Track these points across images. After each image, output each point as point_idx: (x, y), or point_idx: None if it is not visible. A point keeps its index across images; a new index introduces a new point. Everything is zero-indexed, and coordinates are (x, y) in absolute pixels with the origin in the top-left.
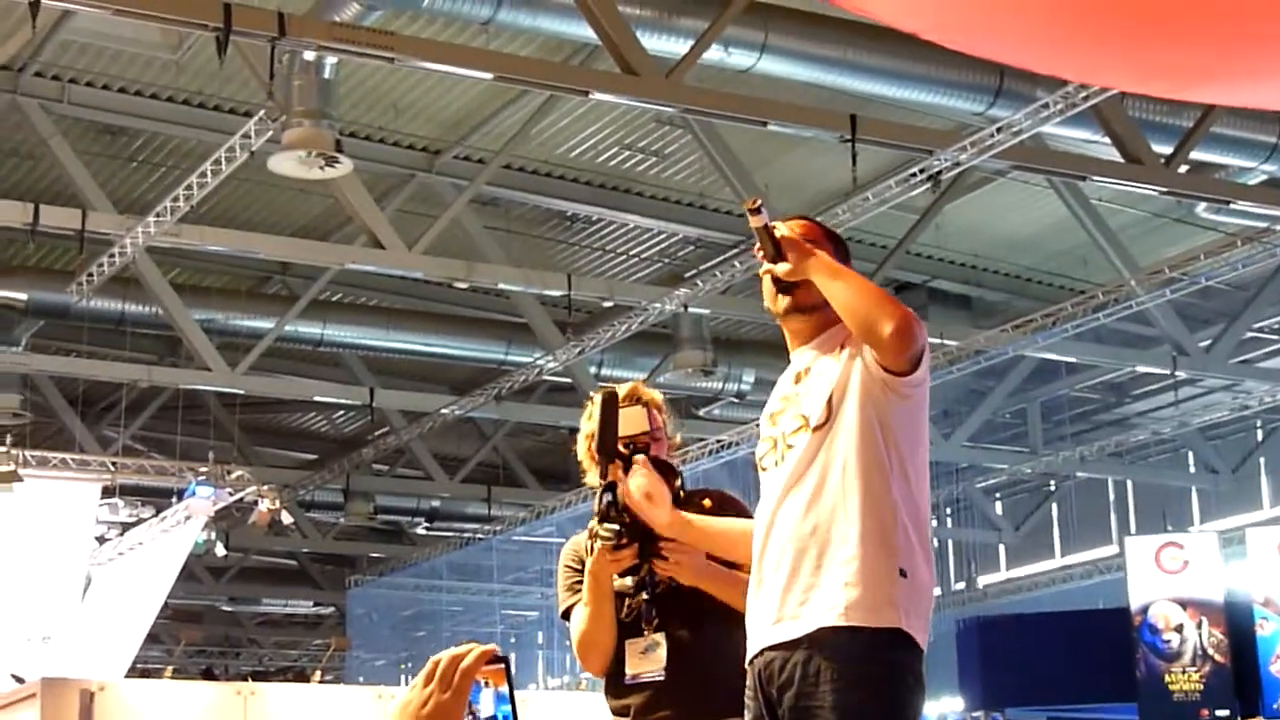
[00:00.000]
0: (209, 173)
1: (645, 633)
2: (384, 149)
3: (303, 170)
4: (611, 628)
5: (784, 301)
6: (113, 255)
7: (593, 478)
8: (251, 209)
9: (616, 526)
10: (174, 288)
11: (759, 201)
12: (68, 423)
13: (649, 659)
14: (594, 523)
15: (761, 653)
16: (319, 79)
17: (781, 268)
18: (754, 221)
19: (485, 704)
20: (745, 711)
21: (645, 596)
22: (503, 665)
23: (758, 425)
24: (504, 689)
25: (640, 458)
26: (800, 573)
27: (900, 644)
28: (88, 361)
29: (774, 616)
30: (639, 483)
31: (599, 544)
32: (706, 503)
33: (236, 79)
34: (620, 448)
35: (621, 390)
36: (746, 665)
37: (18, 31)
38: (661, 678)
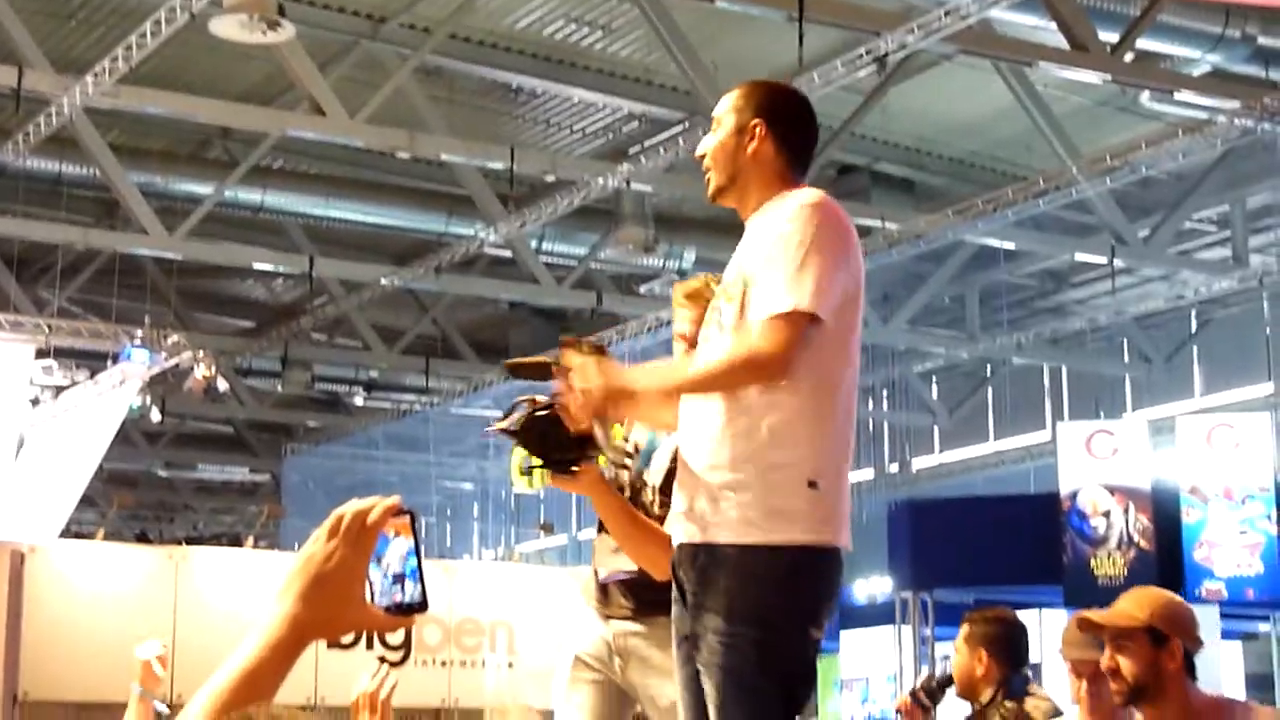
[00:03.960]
0: (148, 33)
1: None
2: (328, 15)
3: (244, 34)
4: (631, 531)
5: (710, 188)
6: (49, 114)
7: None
8: (192, 72)
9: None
10: (112, 149)
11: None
12: (2, 283)
13: (618, 557)
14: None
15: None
16: None
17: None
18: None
19: (393, 558)
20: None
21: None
22: (408, 518)
23: None
24: (411, 542)
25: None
26: (704, 475)
27: (811, 557)
28: (23, 222)
29: (683, 506)
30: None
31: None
32: None
33: None
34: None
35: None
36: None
37: None
38: (628, 576)
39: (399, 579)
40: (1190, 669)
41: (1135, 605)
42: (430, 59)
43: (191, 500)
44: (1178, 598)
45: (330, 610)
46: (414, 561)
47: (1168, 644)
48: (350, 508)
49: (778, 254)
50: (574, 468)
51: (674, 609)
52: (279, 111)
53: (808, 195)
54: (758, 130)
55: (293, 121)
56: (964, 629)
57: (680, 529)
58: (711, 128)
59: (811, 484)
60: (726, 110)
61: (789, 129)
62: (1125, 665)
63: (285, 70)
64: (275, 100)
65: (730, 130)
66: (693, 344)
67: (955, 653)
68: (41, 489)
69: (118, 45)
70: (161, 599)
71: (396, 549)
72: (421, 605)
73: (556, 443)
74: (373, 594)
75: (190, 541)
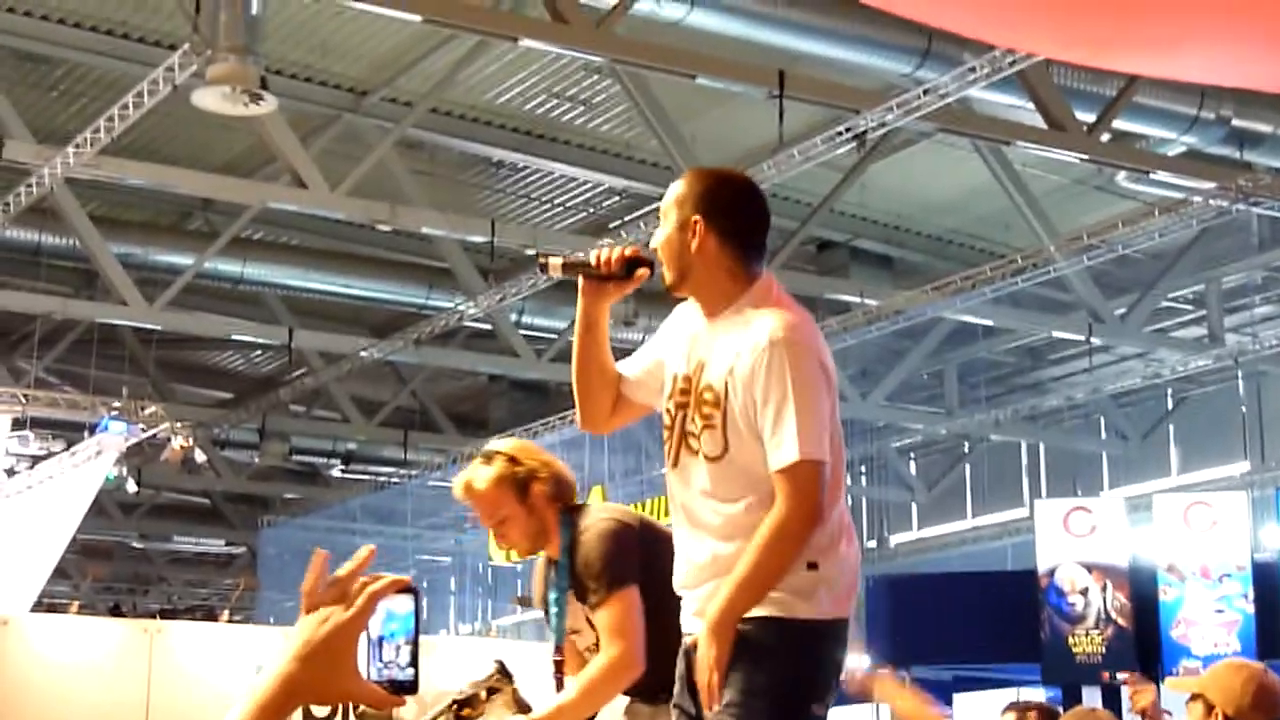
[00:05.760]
0: (131, 105)
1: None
2: (310, 88)
3: (227, 106)
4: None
5: (665, 282)
6: (30, 185)
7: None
8: (174, 143)
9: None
10: (92, 220)
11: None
12: None
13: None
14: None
15: (691, 636)
16: (246, 14)
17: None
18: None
19: (373, 622)
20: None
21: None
22: (412, 596)
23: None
24: (401, 609)
25: None
26: (713, 574)
27: (814, 631)
28: (1, 292)
29: (696, 608)
30: None
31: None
32: None
33: (162, 10)
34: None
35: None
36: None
37: None
38: None
39: (379, 643)
40: None
41: (1207, 673)
42: (412, 133)
43: (166, 572)
44: (1252, 669)
45: (322, 674)
46: (396, 625)
47: (1213, 713)
48: (351, 573)
49: (763, 396)
50: None
51: (677, 685)
52: (260, 183)
53: (775, 326)
54: (698, 227)
55: (274, 193)
56: (1011, 715)
57: (694, 624)
58: (661, 220)
59: (811, 565)
60: (670, 204)
61: (731, 220)
62: None
63: (267, 142)
64: (256, 172)
65: (674, 226)
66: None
67: None
68: (15, 560)
69: (99, 116)
70: (136, 673)
71: (380, 611)
72: (413, 686)
73: None
74: (366, 664)
75: (165, 615)
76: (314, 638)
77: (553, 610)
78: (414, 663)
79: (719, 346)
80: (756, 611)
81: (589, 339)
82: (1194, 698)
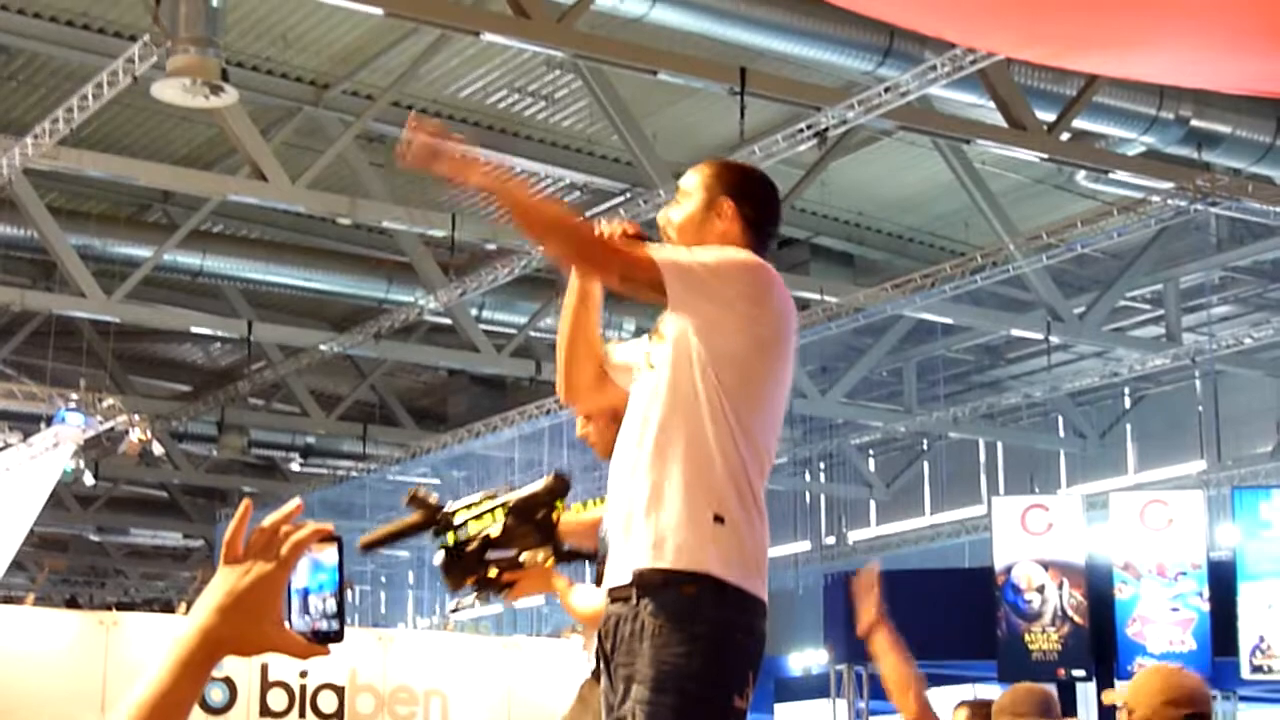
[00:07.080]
0: (90, 96)
1: None
2: (271, 80)
3: (187, 98)
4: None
5: None
6: None
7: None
8: (134, 135)
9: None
10: (51, 211)
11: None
12: None
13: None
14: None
15: (607, 602)
16: (206, 6)
17: None
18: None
19: (299, 574)
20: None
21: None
22: (335, 544)
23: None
24: (327, 561)
25: None
26: (631, 521)
27: (723, 597)
28: None
29: (613, 564)
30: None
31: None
32: None
33: (122, 2)
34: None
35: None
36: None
37: None
38: None
39: (305, 595)
40: None
41: (1130, 682)
42: (373, 126)
43: (123, 565)
44: (1167, 670)
45: (245, 627)
46: (324, 576)
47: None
48: (275, 524)
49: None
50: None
51: (602, 680)
52: (220, 176)
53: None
54: (726, 208)
55: (234, 186)
56: (964, 712)
57: (607, 586)
58: (677, 198)
59: (718, 518)
60: (696, 185)
61: (755, 210)
62: None
63: (227, 135)
64: (216, 164)
65: (699, 205)
66: (604, 451)
67: None
68: None
69: (58, 107)
70: (92, 666)
71: (305, 564)
72: (338, 635)
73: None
74: (290, 617)
75: (122, 607)
76: (236, 589)
77: None
78: (339, 613)
79: None
80: (661, 563)
81: (582, 309)
82: (1121, 708)
